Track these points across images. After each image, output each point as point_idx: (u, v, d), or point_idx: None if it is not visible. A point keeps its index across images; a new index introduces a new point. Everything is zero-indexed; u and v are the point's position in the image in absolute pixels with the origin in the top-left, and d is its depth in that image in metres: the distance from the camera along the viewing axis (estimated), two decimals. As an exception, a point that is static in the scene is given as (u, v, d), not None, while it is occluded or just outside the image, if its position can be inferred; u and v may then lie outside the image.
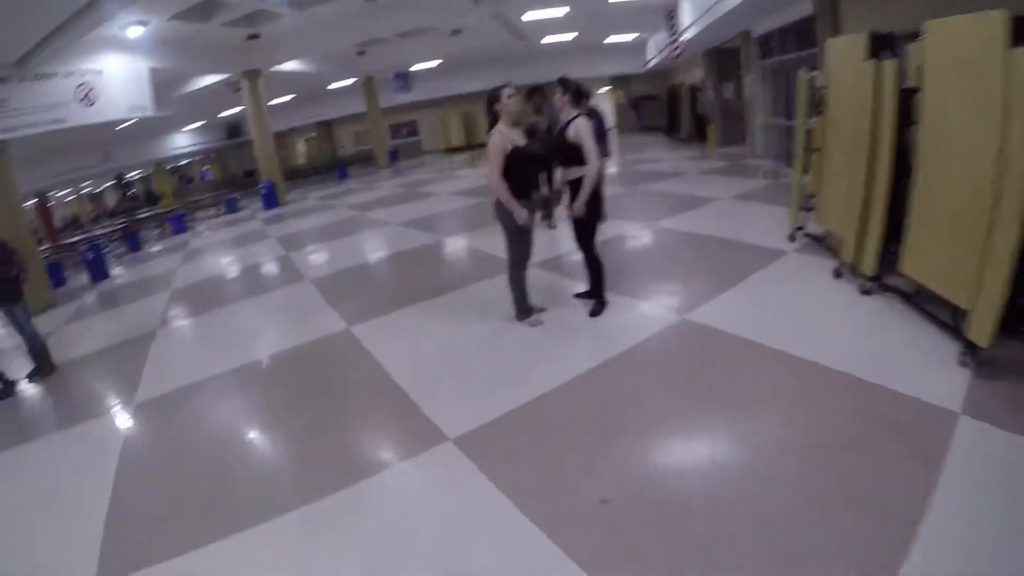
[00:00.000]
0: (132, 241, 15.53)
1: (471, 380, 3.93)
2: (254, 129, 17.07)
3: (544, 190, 4.65)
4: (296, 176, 26.34)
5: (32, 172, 19.49)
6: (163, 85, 15.48)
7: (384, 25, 14.25)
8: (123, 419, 4.46)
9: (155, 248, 14.95)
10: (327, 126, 31.79)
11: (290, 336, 5.49)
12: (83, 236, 17.74)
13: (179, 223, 17.26)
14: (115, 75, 10.85)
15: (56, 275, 12.17)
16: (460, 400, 3.67)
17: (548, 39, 19.59)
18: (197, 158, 34.60)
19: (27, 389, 5.64)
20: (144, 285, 9.85)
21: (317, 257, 9.11)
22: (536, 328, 4.54)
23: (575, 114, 4.22)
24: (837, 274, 4.71)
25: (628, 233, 7.10)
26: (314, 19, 13.06)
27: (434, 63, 21.57)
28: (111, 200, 35.29)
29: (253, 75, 15.91)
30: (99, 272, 11.68)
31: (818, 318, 4.06)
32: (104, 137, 18.71)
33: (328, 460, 3.31)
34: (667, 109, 20.46)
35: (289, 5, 11.43)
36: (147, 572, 2.67)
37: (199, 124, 26.62)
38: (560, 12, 14.63)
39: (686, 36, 12.44)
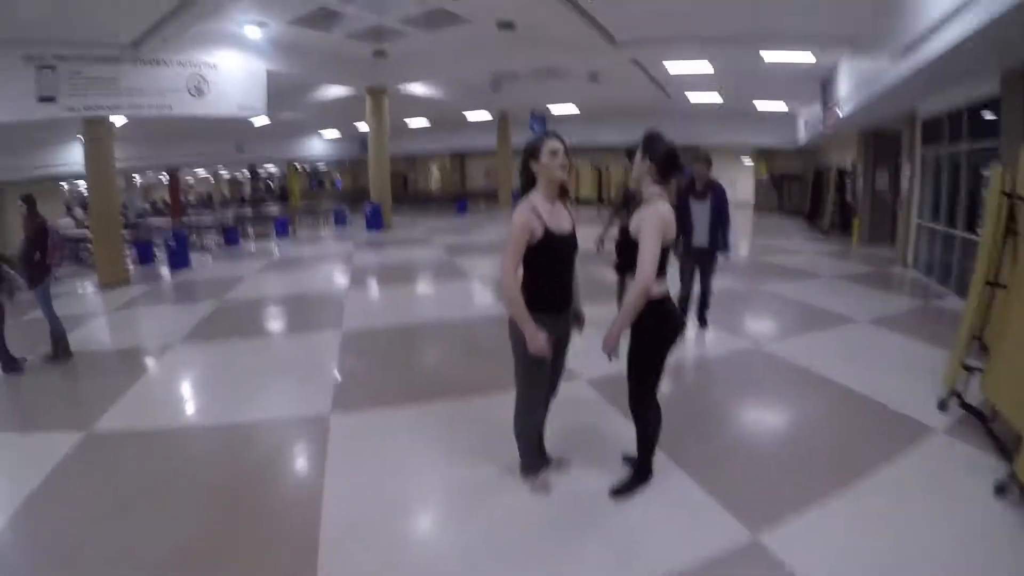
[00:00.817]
0: (232, 234, 15.78)
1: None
2: (372, 147, 16.94)
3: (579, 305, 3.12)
4: (420, 200, 26.49)
5: (167, 149, 21.12)
6: (292, 90, 15.97)
7: (517, 58, 13.48)
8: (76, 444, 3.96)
9: (250, 246, 15.17)
10: (460, 157, 32.00)
11: (264, 404, 4.62)
12: (198, 217, 18.69)
13: (282, 226, 17.50)
14: (230, 71, 10.87)
15: (144, 252, 12.47)
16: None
17: (693, 97, 18.07)
18: (329, 166, 36.36)
19: (37, 370, 5.65)
20: (205, 288, 9.65)
21: (371, 303, 8.43)
22: (538, 496, 3.06)
23: (655, 193, 2.77)
24: (1001, 489, 2.94)
25: (718, 354, 5.47)
26: (443, 42, 12.65)
27: (572, 109, 20.83)
28: (246, 187, 37.80)
29: (378, 92, 15.76)
30: (180, 261, 11.75)
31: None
32: (239, 128, 19.38)
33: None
34: (811, 192, 18.13)
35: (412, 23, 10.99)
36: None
37: (336, 134, 27.63)
38: (704, 67, 13.14)
39: (840, 110, 10.51)
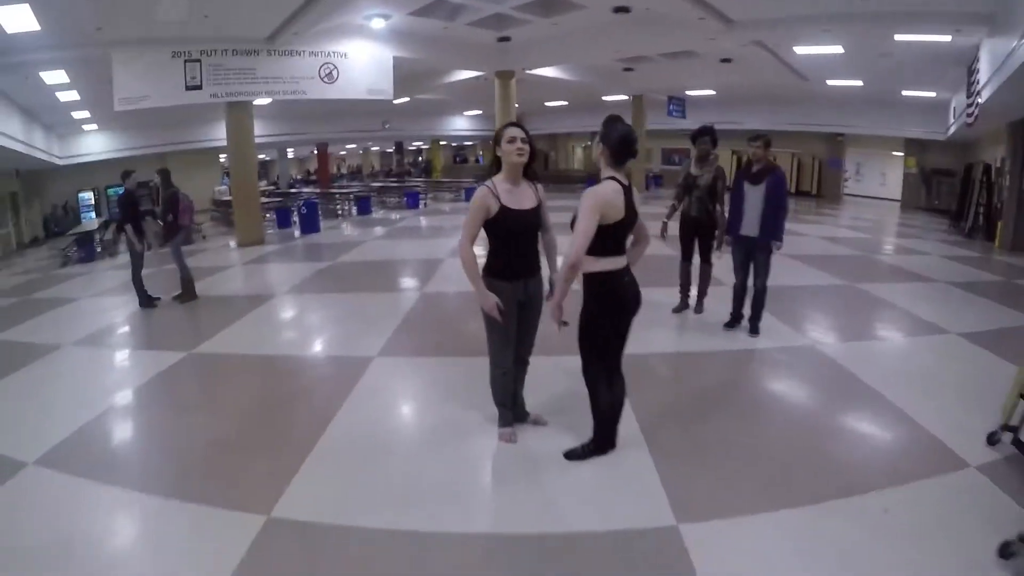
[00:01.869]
0: (364, 204, 17.24)
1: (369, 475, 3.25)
2: (499, 127, 17.40)
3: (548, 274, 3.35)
4: (562, 179, 26.94)
5: (317, 125, 23.46)
6: (425, 73, 17.02)
7: (638, 42, 13.26)
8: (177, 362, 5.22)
9: (380, 215, 16.55)
10: (600, 137, 31.94)
11: (326, 344, 5.72)
12: (342, 189, 20.64)
13: (414, 199, 18.82)
14: (358, 59, 11.91)
15: (283, 218, 14.18)
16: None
17: (832, 82, 16.67)
18: (474, 142, 37.91)
19: (167, 306, 7.17)
20: (324, 250, 10.93)
21: (459, 269, 8.96)
22: (503, 443, 3.45)
23: (608, 175, 2.90)
24: (1006, 552, 2.43)
25: (763, 346, 5.23)
26: (564, 28, 12.76)
27: (709, 92, 20.14)
28: (393, 161, 40.74)
29: (505, 76, 16.07)
30: (310, 226, 13.18)
31: None
32: (383, 107, 20.69)
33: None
34: (960, 191, 15.94)
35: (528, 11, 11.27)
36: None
37: (478, 112, 28.82)
38: (835, 50, 12.11)
39: (982, 97, 9.23)
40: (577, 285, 2.93)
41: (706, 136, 5.57)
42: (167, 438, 3.83)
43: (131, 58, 9.95)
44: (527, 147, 3.02)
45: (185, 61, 10.33)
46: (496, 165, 3.13)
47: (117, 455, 3.68)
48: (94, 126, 17.94)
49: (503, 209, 3.01)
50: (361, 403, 4.13)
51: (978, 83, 9.53)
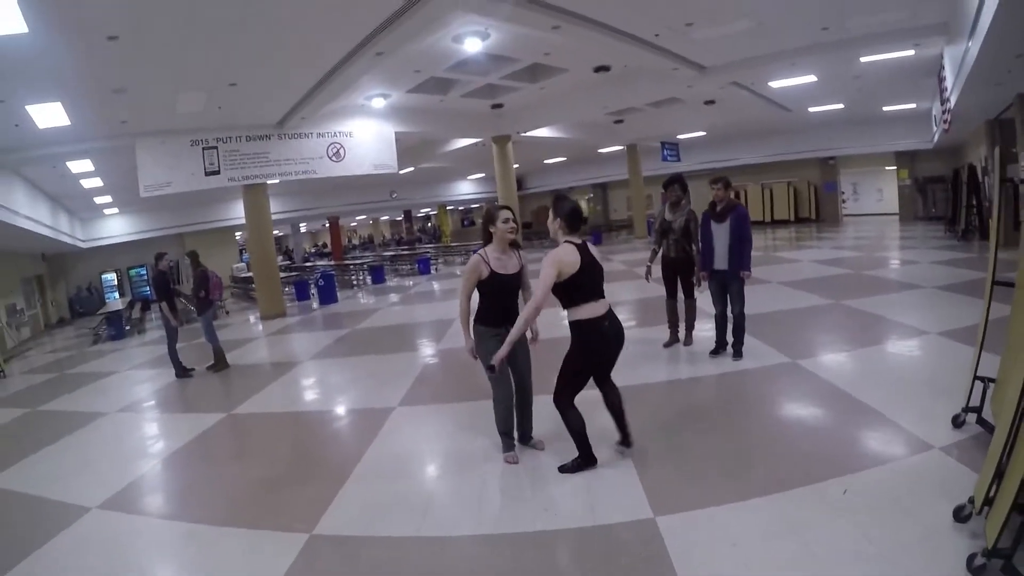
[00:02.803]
0: (378, 273, 18.02)
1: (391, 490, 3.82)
2: (500, 190, 18.09)
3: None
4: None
5: (327, 200, 24.72)
6: (427, 143, 18.05)
7: (623, 95, 14.19)
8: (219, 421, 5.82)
9: (393, 283, 17.29)
10: (602, 188, 32.79)
11: (352, 399, 6.17)
12: (355, 260, 21.47)
13: (425, 265, 19.64)
14: (363, 137, 12.94)
15: (301, 290, 14.88)
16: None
17: (814, 109, 17.38)
18: (480, 204, 39.00)
19: (201, 376, 7.81)
20: (343, 319, 11.54)
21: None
22: (507, 465, 3.97)
23: (564, 240, 3.52)
24: (961, 515, 2.75)
25: (745, 369, 5.52)
26: (551, 90, 13.68)
27: (699, 133, 20.99)
28: (403, 229, 41.96)
29: (501, 140, 17.00)
30: (328, 297, 13.89)
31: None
32: (390, 178, 21.87)
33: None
34: (952, 195, 16.28)
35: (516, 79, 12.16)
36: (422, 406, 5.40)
37: (481, 175, 29.95)
38: (808, 79, 12.83)
39: (952, 102, 9.77)
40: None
41: (675, 184, 6.12)
42: (216, 480, 4.35)
43: (153, 147, 10.94)
44: (515, 226, 3.76)
45: (203, 148, 11.35)
46: (487, 236, 3.80)
47: (172, 496, 4.22)
48: (115, 210, 19.19)
49: (492, 274, 3.72)
50: (386, 442, 4.65)
51: (947, 89, 10.10)
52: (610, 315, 3.51)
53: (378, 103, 12.10)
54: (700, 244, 5.90)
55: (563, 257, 3.39)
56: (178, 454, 4.98)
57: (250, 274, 16.68)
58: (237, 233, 25.85)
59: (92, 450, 5.37)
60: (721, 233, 5.62)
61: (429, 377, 6.53)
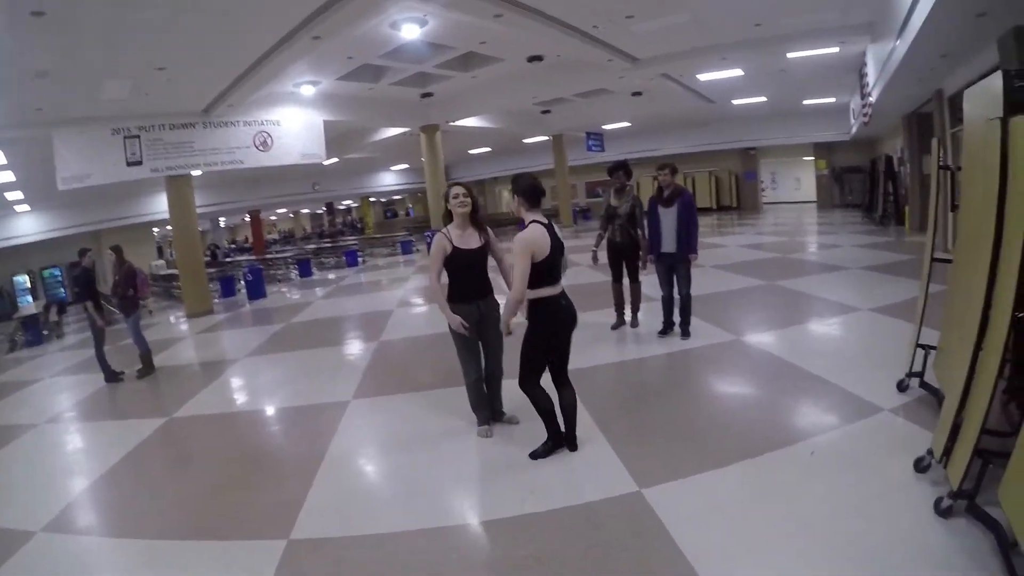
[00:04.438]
0: (305, 266, 17.37)
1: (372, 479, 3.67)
2: (428, 180, 17.77)
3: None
4: (492, 223, 27.59)
5: (249, 192, 23.55)
6: (354, 133, 17.54)
7: (554, 86, 14.30)
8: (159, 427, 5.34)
9: (321, 276, 16.69)
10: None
11: (301, 395, 5.76)
12: (278, 254, 20.68)
13: (352, 257, 19.09)
14: (291, 126, 12.35)
15: (227, 286, 14.15)
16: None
17: (738, 101, 18.16)
18: (403, 196, 38.46)
19: (132, 380, 7.13)
20: (275, 314, 11.00)
21: (411, 318, 9.25)
22: (481, 439, 4.05)
23: (531, 219, 3.47)
24: (921, 466, 3.04)
25: (694, 346, 5.78)
26: (483, 79, 13.56)
27: (625, 124, 21.35)
28: (325, 222, 40.82)
29: (430, 130, 16.70)
30: (256, 292, 13.28)
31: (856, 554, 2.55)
32: (313, 169, 21.28)
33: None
34: (868, 184, 17.65)
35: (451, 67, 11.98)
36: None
37: (405, 166, 29.46)
38: (735, 73, 13.36)
39: (872, 97, 10.50)
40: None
41: (620, 171, 6.20)
42: (170, 490, 3.98)
43: (72, 137, 10.08)
44: (468, 200, 3.84)
45: (125, 138, 10.54)
46: (448, 216, 3.89)
47: (124, 511, 3.77)
48: (26, 207, 17.59)
49: (455, 250, 3.81)
50: (348, 435, 4.47)
51: (868, 85, 10.81)
52: (564, 295, 3.54)
53: (307, 90, 11.62)
54: (647, 228, 6.03)
55: (535, 240, 3.34)
56: (122, 464, 4.52)
57: (170, 271, 15.71)
58: (155, 229, 24.26)
59: (24, 467, 4.81)
60: (668, 218, 5.78)
61: (380, 368, 6.31)
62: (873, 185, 16.80)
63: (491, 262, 4.01)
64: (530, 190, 3.48)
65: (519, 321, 3.50)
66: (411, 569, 2.75)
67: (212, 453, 4.59)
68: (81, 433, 5.61)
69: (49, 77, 7.71)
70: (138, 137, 10.62)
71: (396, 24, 8.40)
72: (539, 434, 3.76)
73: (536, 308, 3.45)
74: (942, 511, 2.66)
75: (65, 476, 4.43)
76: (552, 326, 3.50)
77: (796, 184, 25.58)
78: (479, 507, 3.25)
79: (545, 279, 3.41)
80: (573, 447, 3.69)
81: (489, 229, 3.99)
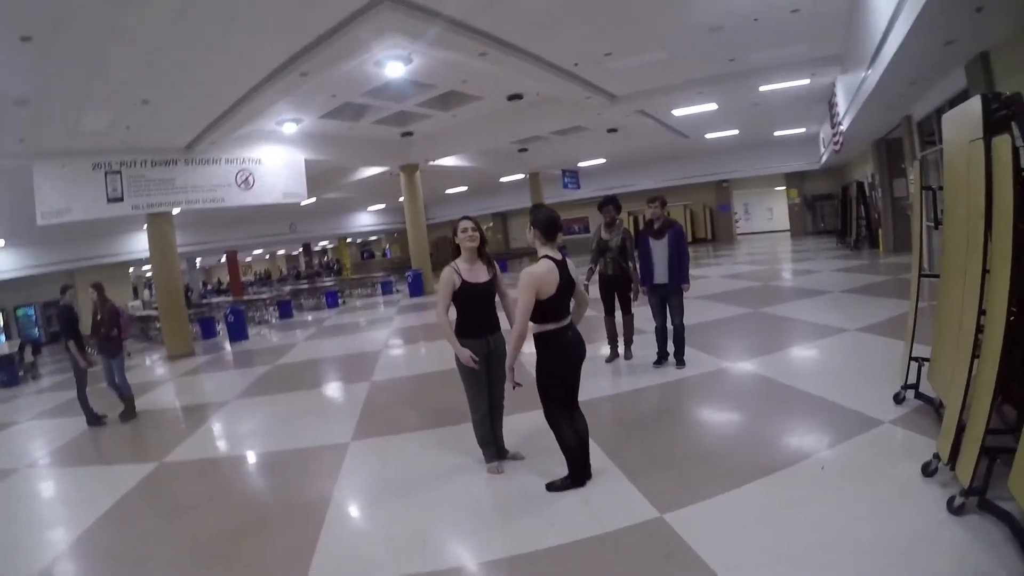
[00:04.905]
0: (286, 308, 17.18)
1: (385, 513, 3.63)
2: (409, 219, 17.90)
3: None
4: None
5: (226, 233, 23.36)
6: (334, 172, 17.59)
7: (533, 123, 14.55)
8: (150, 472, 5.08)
9: (302, 317, 16.50)
10: (502, 217, 33.26)
11: (297, 438, 5.52)
12: (255, 295, 20.42)
13: (332, 298, 18.93)
14: (273, 164, 12.39)
15: (207, 328, 13.87)
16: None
17: (711, 135, 18.75)
18: (381, 236, 38.49)
19: (115, 424, 6.85)
20: (258, 356, 10.77)
21: (400, 358, 9.13)
22: (492, 476, 3.94)
23: (543, 254, 3.46)
24: (928, 470, 3.15)
25: (691, 376, 5.79)
26: (462, 118, 13.78)
27: (600, 160, 21.78)
28: (302, 263, 40.52)
29: (410, 169, 16.87)
30: (238, 333, 12.99)
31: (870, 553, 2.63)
32: (290, 210, 21.25)
33: None
34: (840, 210, 18.26)
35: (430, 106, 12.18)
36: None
37: (382, 206, 29.55)
38: (710, 107, 13.84)
39: (843, 125, 10.96)
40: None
41: (610, 205, 6.28)
42: (170, 537, 3.75)
43: (52, 170, 9.91)
44: (476, 234, 3.82)
45: (106, 173, 10.40)
46: (456, 251, 3.84)
47: (123, 560, 3.53)
48: (1, 242, 17.11)
49: (464, 283, 3.75)
50: (353, 477, 4.32)
51: (838, 114, 11.28)
52: (571, 327, 3.52)
53: (289, 128, 11.66)
54: (638, 261, 6.11)
55: (542, 277, 3.31)
56: (115, 511, 4.28)
57: (147, 312, 15.36)
58: (131, 268, 23.80)
59: (8, 514, 4.57)
60: (660, 249, 5.88)
61: (375, 409, 6.15)
62: (845, 211, 17.36)
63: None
64: (548, 223, 3.44)
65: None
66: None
67: (211, 498, 4.37)
68: (68, 478, 5.36)
69: (29, 105, 7.58)
70: (119, 172, 10.50)
71: (381, 62, 8.53)
72: (547, 468, 3.75)
73: (542, 341, 3.44)
74: (955, 509, 2.77)
75: (55, 523, 4.22)
76: (560, 359, 3.47)
77: (769, 214, 26.31)
78: (502, 543, 3.13)
79: (550, 317, 3.39)
80: (588, 475, 3.64)
81: (496, 263, 3.99)
